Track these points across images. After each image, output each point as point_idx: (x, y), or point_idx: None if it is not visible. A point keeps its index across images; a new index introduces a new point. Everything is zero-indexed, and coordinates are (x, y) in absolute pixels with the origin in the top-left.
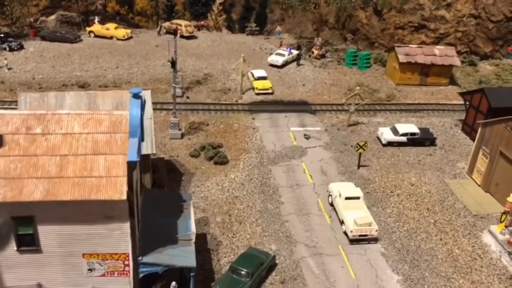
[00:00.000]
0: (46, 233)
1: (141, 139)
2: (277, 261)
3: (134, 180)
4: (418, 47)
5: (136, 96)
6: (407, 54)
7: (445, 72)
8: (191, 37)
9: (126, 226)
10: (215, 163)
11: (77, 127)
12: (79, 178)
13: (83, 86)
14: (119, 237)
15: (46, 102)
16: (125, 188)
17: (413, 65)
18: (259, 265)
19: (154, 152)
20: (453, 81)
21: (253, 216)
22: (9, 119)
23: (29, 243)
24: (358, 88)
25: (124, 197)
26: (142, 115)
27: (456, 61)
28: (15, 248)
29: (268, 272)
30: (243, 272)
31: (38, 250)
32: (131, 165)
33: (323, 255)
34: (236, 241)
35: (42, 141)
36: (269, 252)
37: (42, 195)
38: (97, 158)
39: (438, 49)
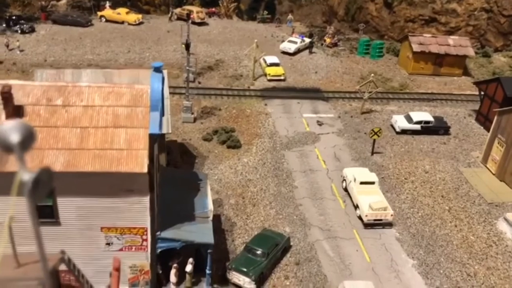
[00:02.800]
0: (65, 205)
1: (162, 113)
2: (291, 243)
3: (154, 155)
4: (432, 36)
5: (158, 70)
6: (421, 44)
7: (458, 63)
8: (202, 23)
9: (146, 200)
10: (228, 147)
11: (98, 100)
12: (99, 150)
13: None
14: (138, 211)
15: (63, 79)
16: (146, 161)
17: (426, 55)
18: (274, 245)
19: (170, 131)
20: (466, 72)
21: (266, 199)
22: (30, 90)
23: (48, 214)
24: (372, 75)
25: (145, 170)
26: (163, 89)
27: (470, 51)
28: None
29: (283, 254)
30: (258, 252)
31: (57, 222)
32: (153, 138)
33: (338, 238)
34: (250, 223)
35: (63, 112)
36: (283, 233)
37: (63, 166)
38: (118, 131)
39: (452, 39)
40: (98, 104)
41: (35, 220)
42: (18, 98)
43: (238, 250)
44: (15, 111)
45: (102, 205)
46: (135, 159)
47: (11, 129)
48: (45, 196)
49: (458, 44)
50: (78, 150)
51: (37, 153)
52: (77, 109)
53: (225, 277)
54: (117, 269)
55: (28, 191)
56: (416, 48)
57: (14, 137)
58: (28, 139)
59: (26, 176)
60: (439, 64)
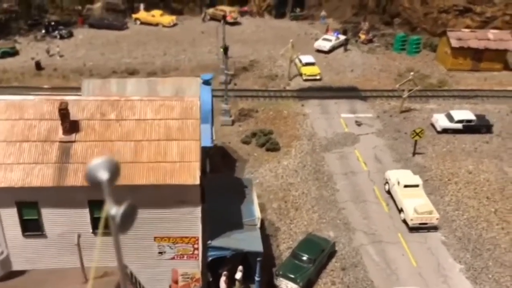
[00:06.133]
0: None
1: (212, 124)
2: (336, 248)
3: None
4: (471, 31)
5: (207, 82)
6: (459, 39)
7: (499, 57)
8: (235, 23)
9: (198, 210)
10: (267, 150)
11: (150, 113)
12: (153, 163)
13: (132, 73)
14: (190, 221)
15: (108, 89)
16: (198, 173)
17: (465, 50)
18: (320, 251)
19: (214, 138)
20: (507, 67)
21: (309, 202)
22: (85, 105)
23: (105, 227)
24: (412, 73)
25: (198, 181)
26: (212, 101)
27: (511, 45)
28: (91, 231)
29: (328, 259)
30: (305, 258)
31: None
32: (204, 150)
33: (383, 242)
34: (293, 227)
35: (117, 126)
36: (328, 239)
37: (118, 180)
38: (170, 144)
39: (492, 34)
40: (150, 118)
41: (119, 248)
42: (74, 113)
43: (284, 255)
44: (72, 127)
45: (156, 216)
46: (188, 171)
47: (100, 166)
48: (130, 228)
49: (498, 38)
50: (132, 163)
51: None
52: (130, 123)
53: (272, 283)
54: (177, 281)
55: (116, 224)
56: (454, 43)
57: (103, 175)
58: (114, 175)
59: (114, 211)
60: (479, 59)
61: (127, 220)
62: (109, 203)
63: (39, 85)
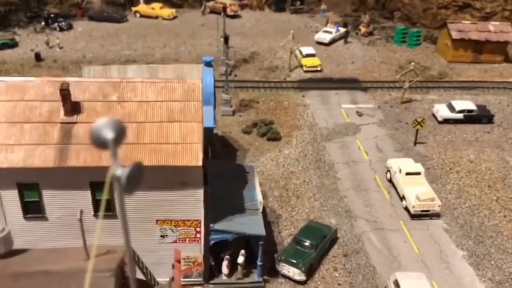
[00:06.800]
0: None
1: (214, 106)
2: (338, 235)
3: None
4: (472, 23)
5: (209, 64)
6: (460, 31)
7: (499, 49)
8: (235, 16)
9: (200, 192)
10: (268, 139)
11: (152, 95)
12: (155, 145)
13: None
14: (192, 203)
15: (109, 75)
16: (200, 154)
17: (466, 42)
18: (322, 237)
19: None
20: (507, 58)
21: (310, 191)
22: (86, 86)
23: (106, 208)
24: (412, 64)
25: (200, 163)
26: (214, 83)
27: None
28: (92, 213)
29: (330, 245)
30: (307, 244)
31: (114, 216)
32: (206, 131)
33: (385, 230)
34: (295, 215)
35: (118, 108)
36: (330, 225)
37: (120, 160)
38: (172, 126)
39: (493, 25)
40: (152, 99)
41: (124, 212)
42: (75, 95)
43: (285, 242)
44: (73, 108)
45: (157, 198)
46: (190, 152)
47: (105, 126)
48: (135, 189)
49: (499, 30)
50: (134, 144)
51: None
52: (132, 105)
53: (274, 268)
54: (179, 261)
55: (121, 185)
56: (455, 35)
57: (108, 134)
58: (120, 135)
59: (119, 171)
60: (479, 51)
61: (133, 180)
62: (114, 163)
63: (39, 76)
